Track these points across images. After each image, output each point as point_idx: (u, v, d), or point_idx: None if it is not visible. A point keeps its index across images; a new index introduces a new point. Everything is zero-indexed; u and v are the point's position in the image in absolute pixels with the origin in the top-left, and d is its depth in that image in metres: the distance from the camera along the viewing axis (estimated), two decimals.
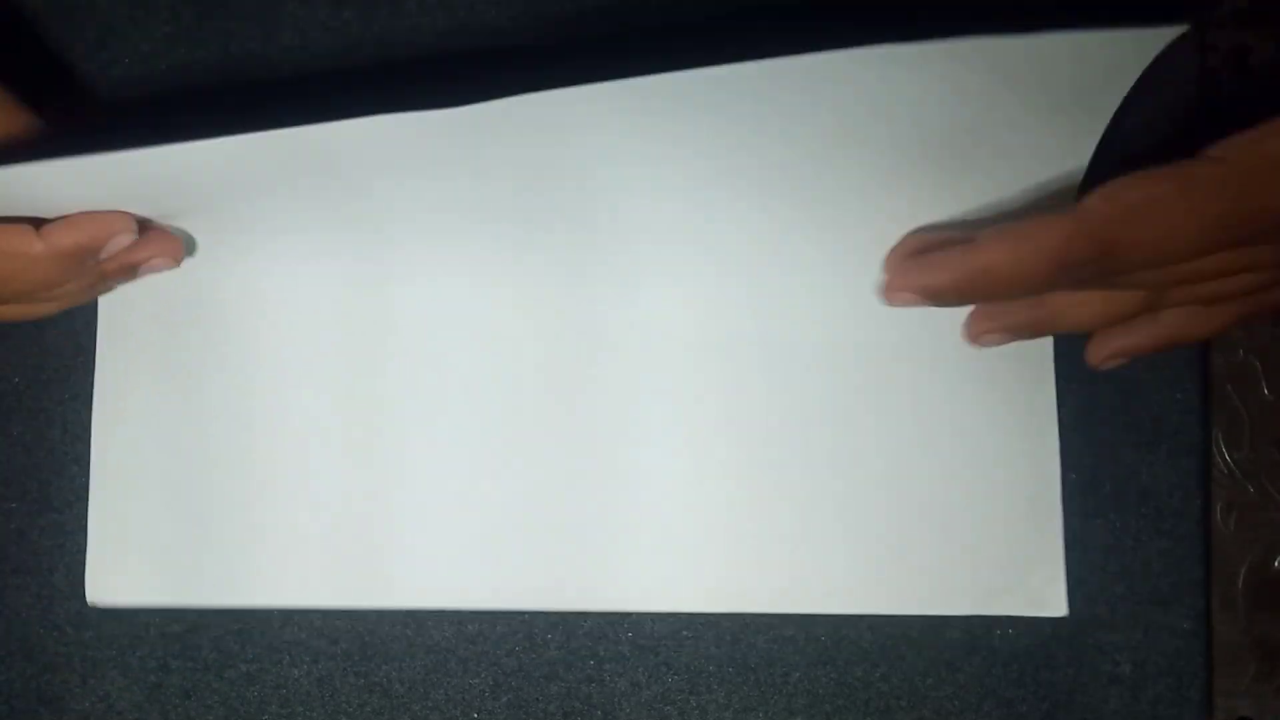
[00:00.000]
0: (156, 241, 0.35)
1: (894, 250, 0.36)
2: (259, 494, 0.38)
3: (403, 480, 0.38)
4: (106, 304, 0.39)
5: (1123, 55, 0.32)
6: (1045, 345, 0.38)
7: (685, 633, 0.38)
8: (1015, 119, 0.32)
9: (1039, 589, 0.37)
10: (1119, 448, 0.38)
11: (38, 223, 0.33)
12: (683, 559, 0.37)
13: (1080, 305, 0.32)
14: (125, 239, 0.34)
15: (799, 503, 0.37)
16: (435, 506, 0.38)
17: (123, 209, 0.34)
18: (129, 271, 0.35)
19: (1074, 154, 0.34)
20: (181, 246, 0.36)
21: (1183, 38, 0.31)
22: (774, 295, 0.38)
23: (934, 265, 0.31)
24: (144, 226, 0.34)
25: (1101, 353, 0.34)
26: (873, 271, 0.36)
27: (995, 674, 0.38)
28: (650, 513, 0.38)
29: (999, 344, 0.34)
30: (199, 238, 0.37)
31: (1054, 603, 0.37)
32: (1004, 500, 0.37)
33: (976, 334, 0.34)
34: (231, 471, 0.38)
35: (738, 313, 0.38)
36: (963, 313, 0.35)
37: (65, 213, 0.33)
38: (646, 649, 0.38)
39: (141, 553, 0.38)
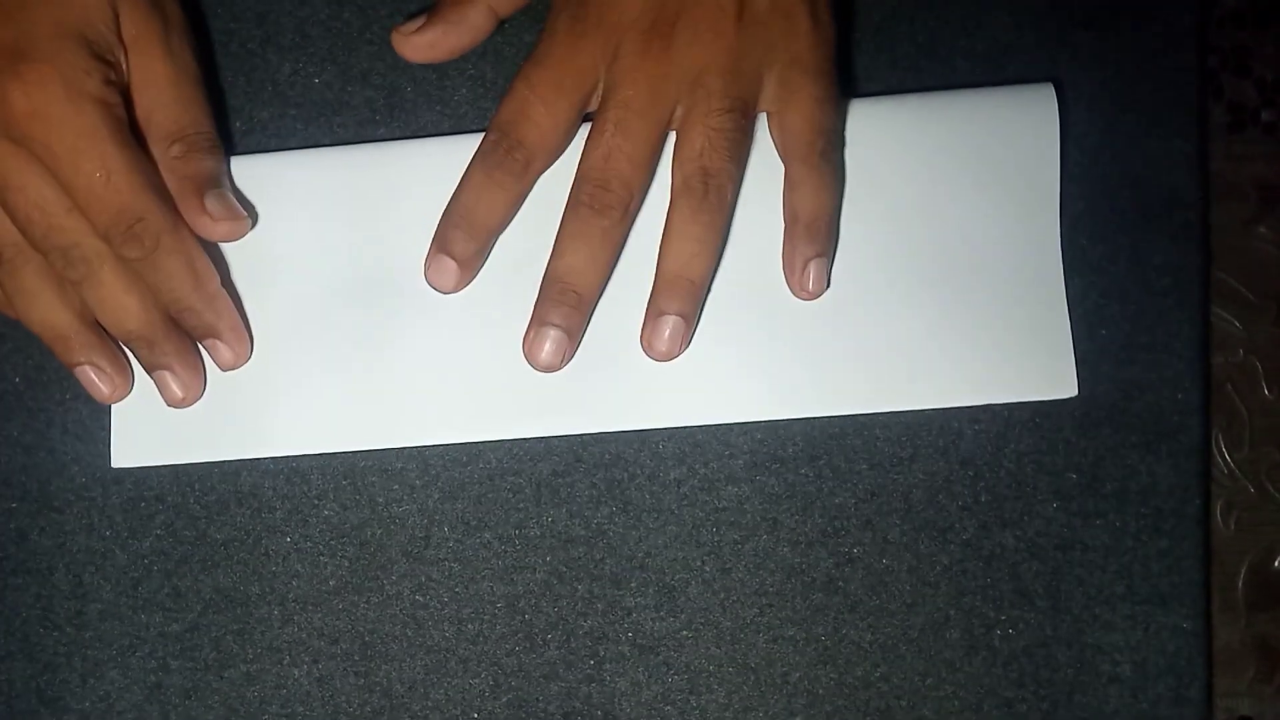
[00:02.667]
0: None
1: None
2: (267, 347, 0.38)
3: (405, 325, 0.38)
4: None
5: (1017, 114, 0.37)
6: (1050, 132, 0.38)
7: (685, 633, 0.38)
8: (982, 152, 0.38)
9: (1049, 373, 0.38)
10: (1119, 448, 0.39)
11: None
12: (695, 374, 0.38)
13: None
14: None
15: (807, 311, 0.38)
16: (441, 347, 0.38)
17: None
18: None
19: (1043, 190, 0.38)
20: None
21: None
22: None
23: None
24: None
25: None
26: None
27: (995, 674, 0.38)
28: None
29: None
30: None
31: (1064, 384, 0.38)
32: (1009, 292, 0.38)
33: None
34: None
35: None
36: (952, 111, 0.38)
37: None
38: (646, 649, 0.38)
39: (158, 415, 0.38)
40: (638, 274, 0.37)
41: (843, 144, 0.38)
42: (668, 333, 0.36)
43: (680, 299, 0.36)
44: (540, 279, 0.37)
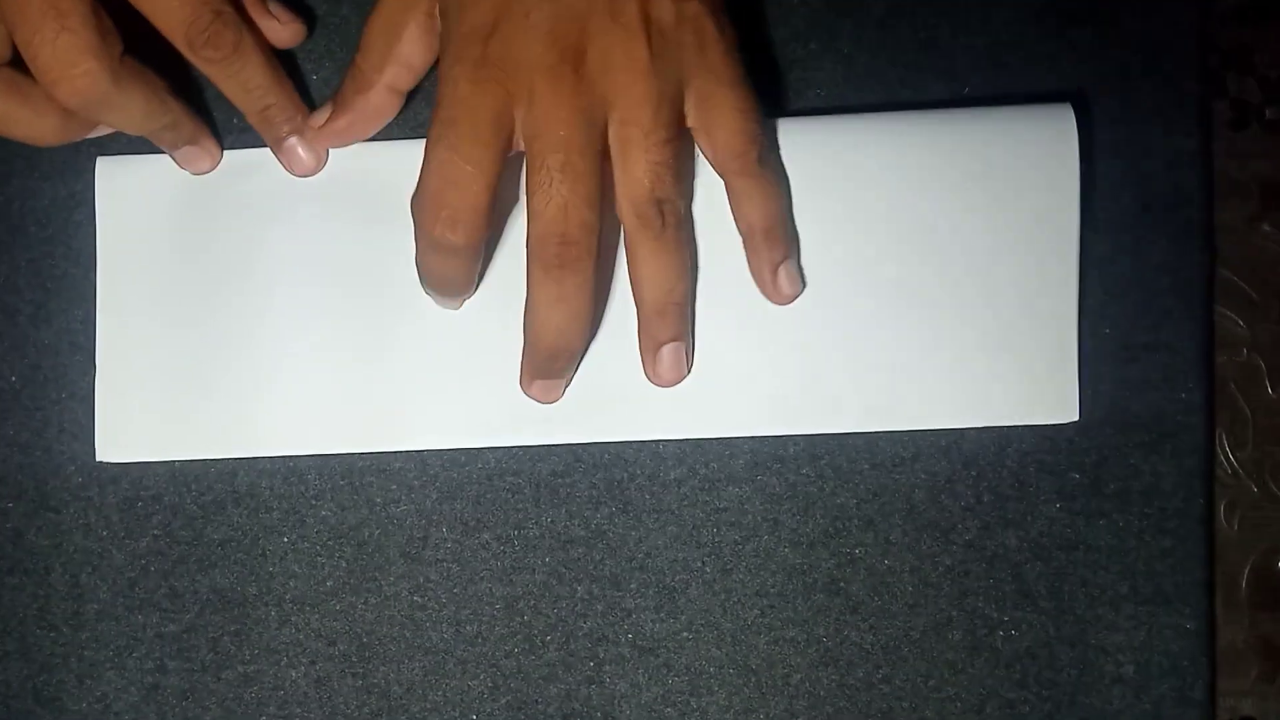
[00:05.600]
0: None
1: None
2: (263, 346, 0.38)
3: (405, 326, 0.38)
4: (104, 168, 0.39)
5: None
6: (1070, 163, 0.37)
7: (685, 634, 0.38)
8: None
9: (1051, 397, 0.37)
10: (1122, 447, 0.38)
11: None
12: (696, 388, 0.38)
13: None
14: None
15: (814, 327, 0.38)
16: (440, 350, 0.38)
17: None
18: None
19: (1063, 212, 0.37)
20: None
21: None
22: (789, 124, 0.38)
23: None
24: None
25: None
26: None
27: (998, 675, 0.38)
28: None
29: None
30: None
31: (1066, 408, 0.37)
32: (1021, 315, 0.38)
33: None
34: (235, 326, 0.38)
35: None
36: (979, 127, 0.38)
37: None
38: (647, 650, 0.38)
39: (147, 410, 0.38)
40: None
41: (775, 147, 0.37)
42: (669, 361, 0.37)
43: (671, 325, 0.36)
44: None
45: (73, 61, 0.32)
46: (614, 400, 0.38)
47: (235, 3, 0.35)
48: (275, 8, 0.37)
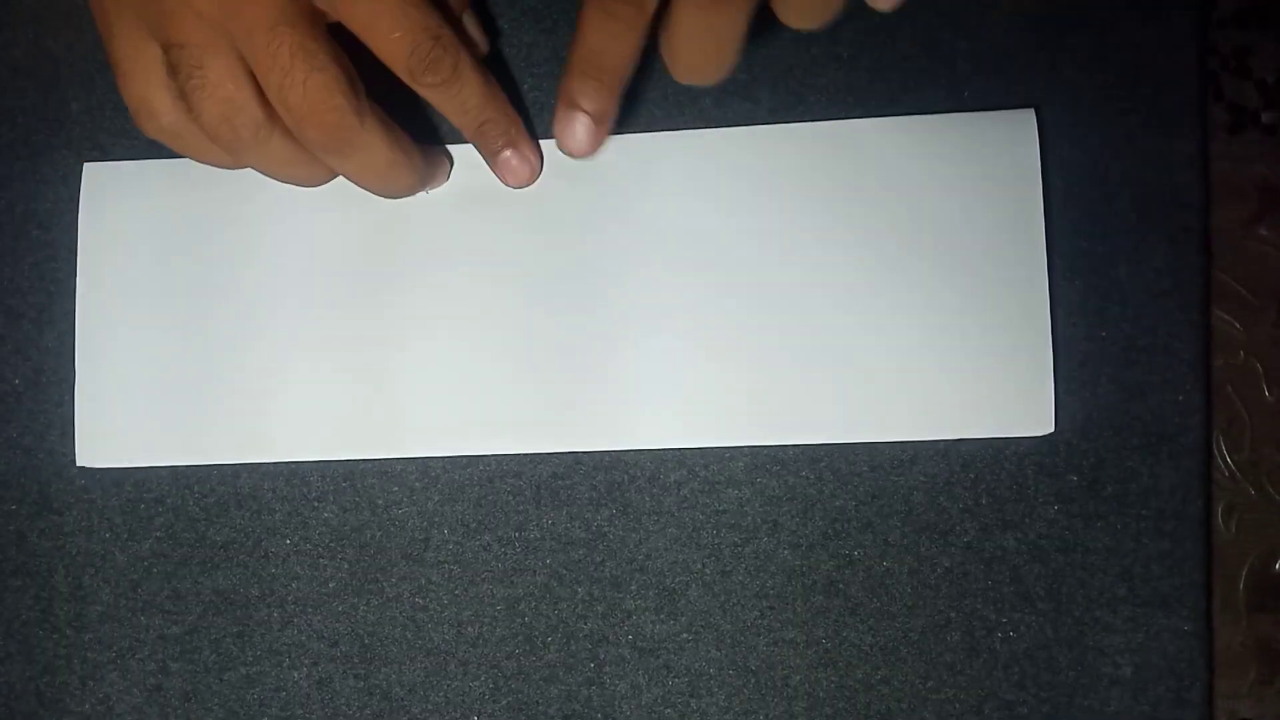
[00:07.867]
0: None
1: None
2: (253, 353, 0.38)
3: (403, 335, 0.38)
4: (91, 173, 0.39)
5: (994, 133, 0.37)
6: (1033, 172, 0.38)
7: (685, 635, 0.38)
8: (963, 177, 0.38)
9: (1026, 409, 0.38)
10: (1120, 450, 0.38)
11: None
12: (684, 398, 0.38)
13: None
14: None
15: (793, 342, 0.38)
16: (436, 359, 0.38)
17: None
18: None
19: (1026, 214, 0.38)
20: None
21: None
22: (771, 138, 0.39)
23: None
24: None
25: None
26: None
27: (996, 676, 0.38)
28: (655, 358, 0.38)
29: None
30: None
31: (1041, 421, 0.38)
32: (994, 325, 0.38)
33: None
34: (225, 333, 0.38)
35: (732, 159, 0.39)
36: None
37: None
38: (647, 651, 0.38)
39: (130, 416, 0.38)
40: (640, 289, 0.37)
41: None
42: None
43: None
44: (541, 291, 0.37)
45: (322, 99, 0.31)
46: (613, 410, 0.38)
47: (450, 19, 0.34)
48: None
